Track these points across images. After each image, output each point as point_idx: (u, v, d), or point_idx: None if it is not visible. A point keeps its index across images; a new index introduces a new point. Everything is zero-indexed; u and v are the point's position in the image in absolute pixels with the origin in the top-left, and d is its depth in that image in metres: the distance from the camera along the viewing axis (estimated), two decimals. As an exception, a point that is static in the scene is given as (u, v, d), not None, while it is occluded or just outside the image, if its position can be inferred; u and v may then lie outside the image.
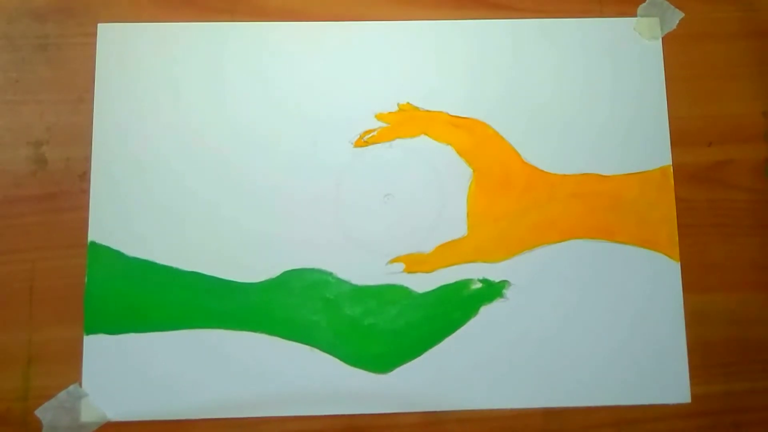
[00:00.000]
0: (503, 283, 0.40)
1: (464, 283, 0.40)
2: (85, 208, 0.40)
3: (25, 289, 0.40)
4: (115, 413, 0.39)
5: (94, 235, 0.40)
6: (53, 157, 0.41)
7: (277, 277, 0.40)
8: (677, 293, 0.41)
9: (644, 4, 0.43)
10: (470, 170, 0.42)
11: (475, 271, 0.41)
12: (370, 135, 0.42)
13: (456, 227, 0.41)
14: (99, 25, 0.42)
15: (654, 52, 0.43)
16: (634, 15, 0.43)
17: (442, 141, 0.42)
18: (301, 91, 0.42)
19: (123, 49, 0.42)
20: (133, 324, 0.39)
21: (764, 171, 0.42)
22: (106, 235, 0.40)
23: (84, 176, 0.41)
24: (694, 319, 0.41)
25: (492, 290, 0.40)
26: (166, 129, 0.41)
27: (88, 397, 0.39)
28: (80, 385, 0.39)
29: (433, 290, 0.40)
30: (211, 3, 0.43)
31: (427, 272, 0.41)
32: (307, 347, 0.40)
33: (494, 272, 0.41)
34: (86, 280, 0.40)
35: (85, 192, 0.41)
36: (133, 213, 0.40)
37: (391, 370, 0.40)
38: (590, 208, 0.41)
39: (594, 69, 0.43)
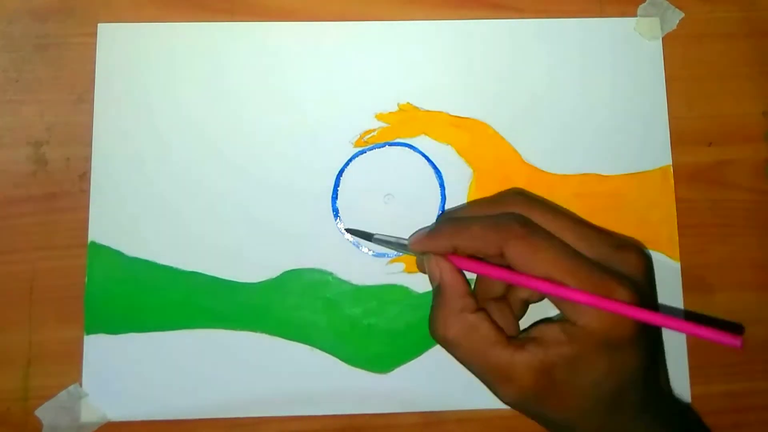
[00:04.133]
0: (503, 283, 0.40)
1: (464, 283, 0.40)
2: (85, 208, 0.40)
3: (25, 289, 0.40)
4: (115, 413, 0.39)
5: (94, 235, 0.40)
6: (53, 157, 0.41)
7: (277, 277, 0.40)
8: (677, 293, 0.41)
9: (644, 4, 0.43)
10: (470, 170, 0.42)
11: (475, 271, 0.40)
12: (370, 135, 0.42)
13: (456, 227, 0.41)
14: (99, 25, 0.42)
15: (654, 52, 0.43)
16: (634, 15, 0.43)
17: (442, 141, 0.42)
18: (301, 91, 0.42)
19: (123, 49, 0.42)
20: (133, 324, 0.39)
21: (765, 171, 0.42)
22: (106, 235, 0.40)
23: (84, 176, 0.41)
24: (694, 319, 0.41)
25: (492, 290, 0.40)
26: (166, 129, 0.41)
27: (88, 397, 0.39)
28: (80, 385, 0.39)
29: (433, 290, 0.40)
30: (211, 3, 0.43)
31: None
32: (307, 347, 0.40)
33: (494, 272, 0.40)
34: (86, 280, 0.40)
35: (85, 192, 0.41)
36: (133, 213, 0.40)
37: (391, 370, 0.40)
38: (590, 208, 0.41)
39: (594, 69, 0.43)
